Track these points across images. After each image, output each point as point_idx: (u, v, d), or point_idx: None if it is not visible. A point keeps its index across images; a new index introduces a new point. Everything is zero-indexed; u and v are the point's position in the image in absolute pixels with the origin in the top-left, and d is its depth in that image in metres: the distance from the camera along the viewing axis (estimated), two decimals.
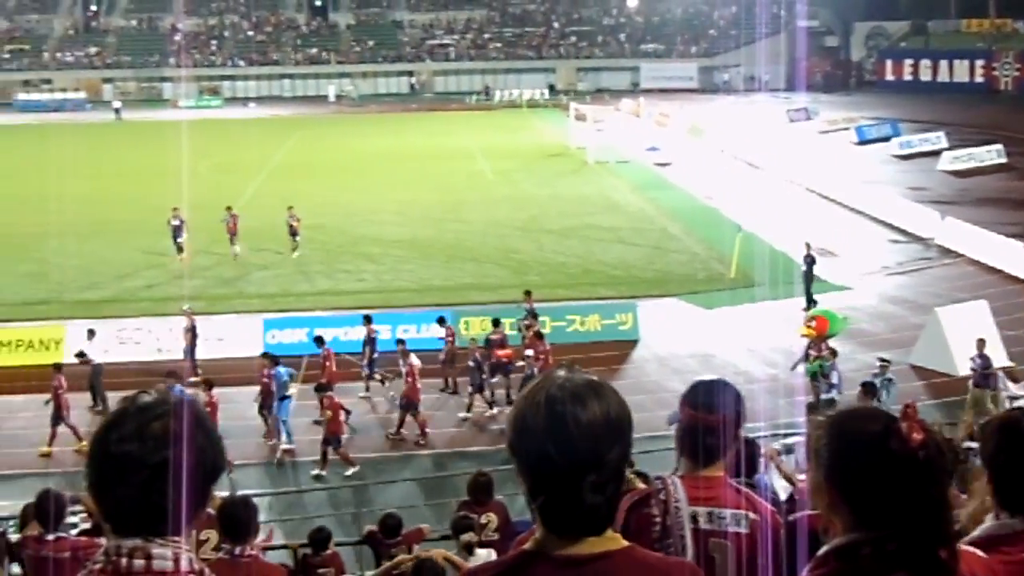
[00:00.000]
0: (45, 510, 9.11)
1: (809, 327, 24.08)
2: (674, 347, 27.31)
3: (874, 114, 72.87)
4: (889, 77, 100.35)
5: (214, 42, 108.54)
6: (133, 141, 71.12)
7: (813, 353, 23.18)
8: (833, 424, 2.77)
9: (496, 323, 24.89)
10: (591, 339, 27.08)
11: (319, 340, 23.90)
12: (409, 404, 21.95)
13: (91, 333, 24.44)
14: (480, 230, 40.60)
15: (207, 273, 34.18)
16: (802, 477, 6.02)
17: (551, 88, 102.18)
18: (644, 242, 38.26)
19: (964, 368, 22.80)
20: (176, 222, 34.69)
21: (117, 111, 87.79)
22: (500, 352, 23.91)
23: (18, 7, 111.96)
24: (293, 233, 35.89)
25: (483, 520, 11.74)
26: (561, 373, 2.65)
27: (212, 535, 8.44)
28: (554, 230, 40.50)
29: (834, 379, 23.12)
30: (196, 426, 2.57)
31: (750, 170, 54.23)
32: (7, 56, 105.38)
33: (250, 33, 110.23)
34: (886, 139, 61.61)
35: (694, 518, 4.03)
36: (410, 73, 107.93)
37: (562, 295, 31.10)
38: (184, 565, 2.55)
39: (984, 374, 21.82)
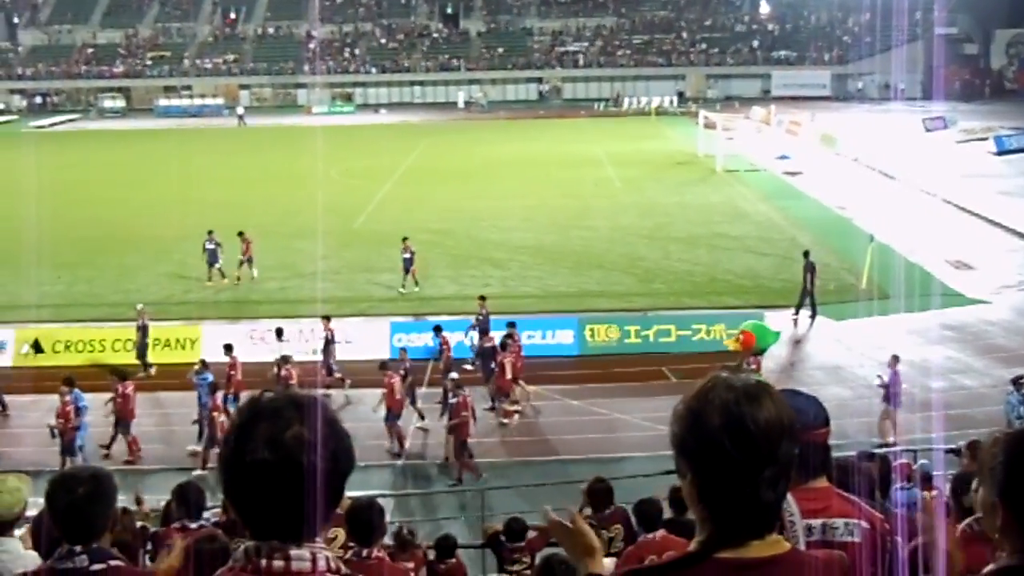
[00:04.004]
0: (188, 500, 9.42)
1: (737, 340, 23.23)
2: (801, 358, 26.90)
3: (1014, 123, 70.44)
4: None
5: (347, 49, 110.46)
6: (270, 146, 72.69)
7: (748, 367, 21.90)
8: (1012, 442, 2.65)
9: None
10: (717, 348, 26.79)
11: (228, 348, 23.77)
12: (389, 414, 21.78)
13: None
14: (606, 237, 40.48)
15: (337, 277, 34.70)
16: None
17: (680, 95, 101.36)
18: (772, 251, 37.71)
19: None
20: (211, 246, 33.83)
21: (240, 117, 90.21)
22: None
23: (160, 16, 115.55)
24: (406, 269, 32.72)
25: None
26: (725, 375, 2.64)
27: (340, 533, 8.58)
28: (681, 238, 40.22)
29: None
30: (327, 429, 2.60)
31: (884, 180, 53.05)
32: (149, 63, 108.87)
33: (383, 40, 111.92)
34: None
35: (808, 530, 3.99)
36: (539, 80, 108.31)
37: (688, 304, 30.98)
38: (321, 564, 2.61)
39: (893, 392, 21.02)
